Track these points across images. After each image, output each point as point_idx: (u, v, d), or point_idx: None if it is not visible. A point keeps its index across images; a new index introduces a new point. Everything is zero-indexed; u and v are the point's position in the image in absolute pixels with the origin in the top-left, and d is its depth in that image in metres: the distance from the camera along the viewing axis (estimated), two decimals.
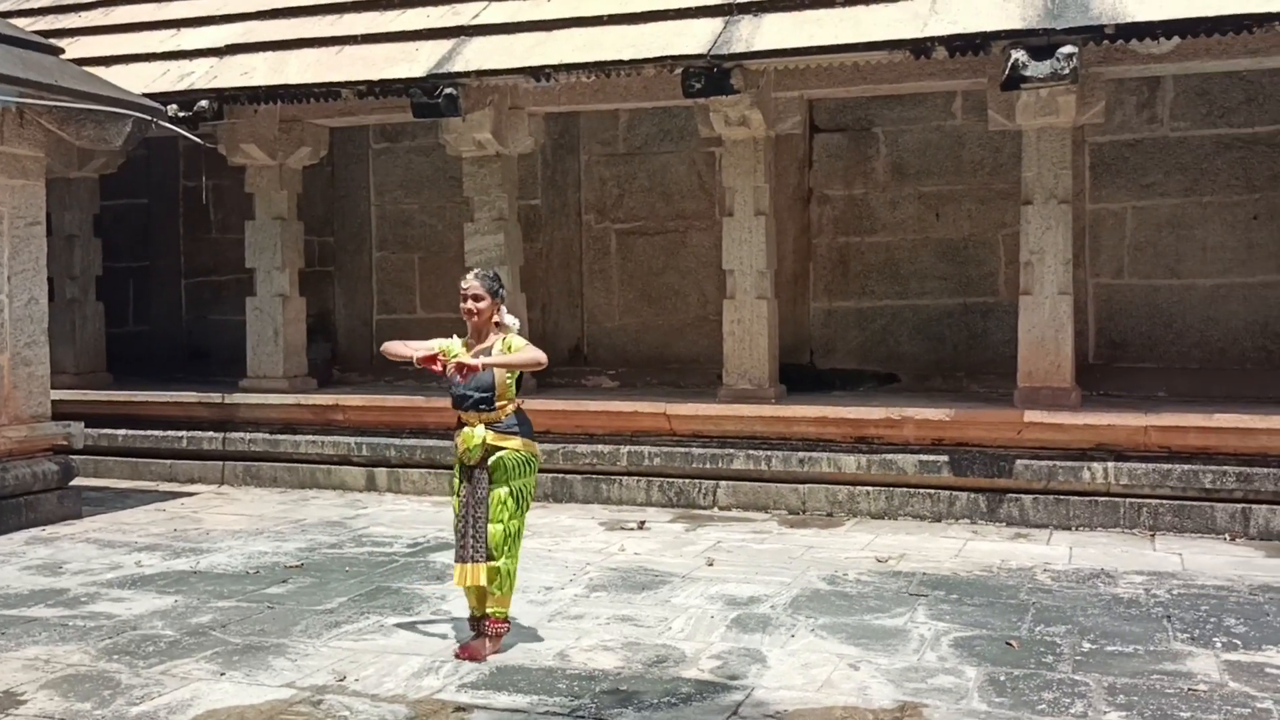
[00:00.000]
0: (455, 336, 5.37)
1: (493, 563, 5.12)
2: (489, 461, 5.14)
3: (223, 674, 4.99)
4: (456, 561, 5.22)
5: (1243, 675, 4.89)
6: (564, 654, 5.24)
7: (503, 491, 5.14)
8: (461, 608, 5.99)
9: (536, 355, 5.14)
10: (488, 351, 5.15)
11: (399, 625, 5.74)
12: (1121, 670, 4.95)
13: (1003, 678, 4.87)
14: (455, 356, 5.17)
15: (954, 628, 5.60)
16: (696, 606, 6.03)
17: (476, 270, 5.34)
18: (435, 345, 5.25)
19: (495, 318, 5.23)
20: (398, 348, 5.31)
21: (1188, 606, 5.95)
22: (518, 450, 5.19)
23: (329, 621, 5.79)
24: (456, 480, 5.27)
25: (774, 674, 4.94)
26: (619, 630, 5.61)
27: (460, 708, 4.57)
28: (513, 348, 5.16)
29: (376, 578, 6.72)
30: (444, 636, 5.52)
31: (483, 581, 5.12)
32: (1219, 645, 5.31)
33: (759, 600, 6.13)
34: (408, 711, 4.54)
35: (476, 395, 5.13)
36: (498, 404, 5.15)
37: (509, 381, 5.18)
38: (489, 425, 5.15)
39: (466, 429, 5.18)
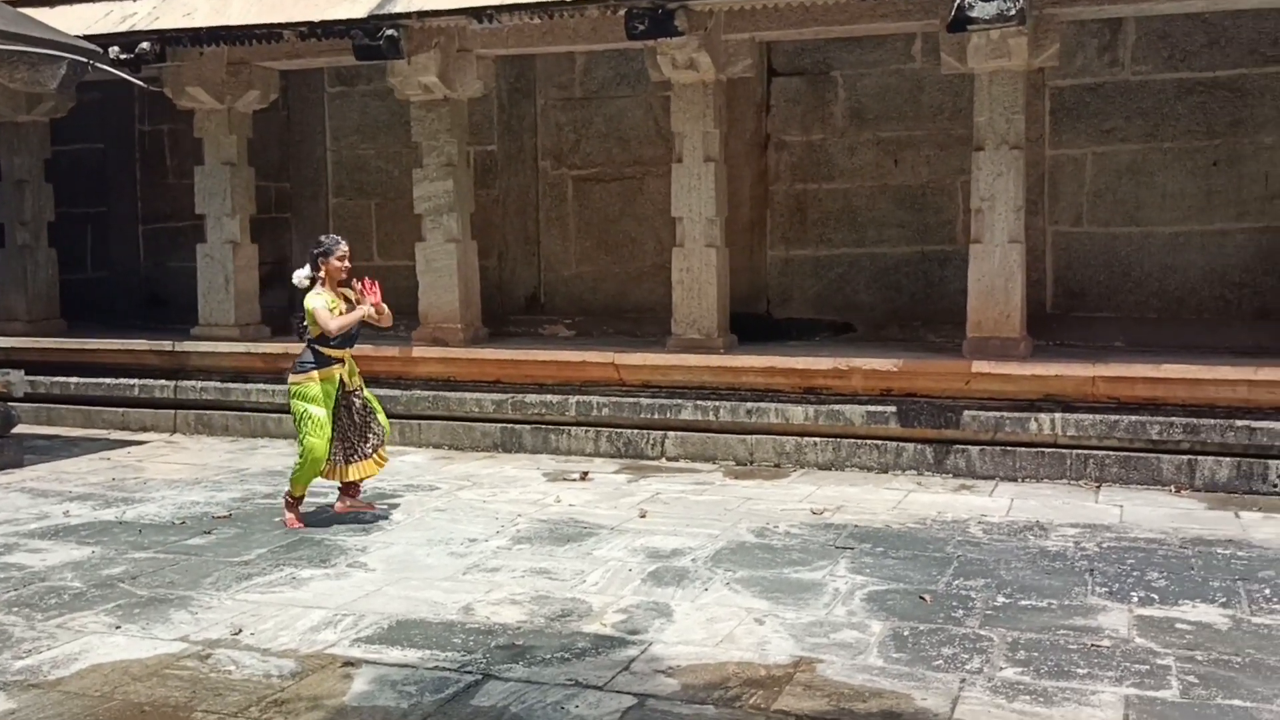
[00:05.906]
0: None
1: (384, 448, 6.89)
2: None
3: (118, 627, 4.92)
4: (347, 462, 6.71)
5: (1151, 631, 4.81)
6: (469, 607, 5.17)
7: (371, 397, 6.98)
8: (379, 560, 5.97)
9: None
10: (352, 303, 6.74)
11: (312, 577, 5.67)
12: (1029, 625, 4.88)
13: (906, 632, 4.79)
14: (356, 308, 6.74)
15: (871, 581, 5.52)
16: (617, 559, 5.95)
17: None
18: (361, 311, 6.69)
19: None
20: (340, 321, 6.57)
21: (1113, 560, 5.87)
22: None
23: (241, 574, 5.72)
24: (327, 412, 6.64)
25: (677, 628, 4.87)
26: (532, 583, 5.54)
27: (349, 662, 4.49)
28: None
29: (303, 529, 6.64)
30: (355, 588, 5.45)
31: (376, 470, 6.88)
32: (1135, 600, 5.23)
33: (681, 553, 6.05)
34: (295, 666, 4.46)
35: (357, 336, 6.87)
36: None
37: None
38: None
39: (348, 364, 6.88)
